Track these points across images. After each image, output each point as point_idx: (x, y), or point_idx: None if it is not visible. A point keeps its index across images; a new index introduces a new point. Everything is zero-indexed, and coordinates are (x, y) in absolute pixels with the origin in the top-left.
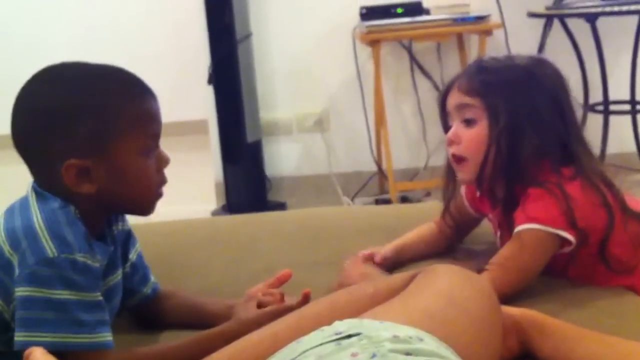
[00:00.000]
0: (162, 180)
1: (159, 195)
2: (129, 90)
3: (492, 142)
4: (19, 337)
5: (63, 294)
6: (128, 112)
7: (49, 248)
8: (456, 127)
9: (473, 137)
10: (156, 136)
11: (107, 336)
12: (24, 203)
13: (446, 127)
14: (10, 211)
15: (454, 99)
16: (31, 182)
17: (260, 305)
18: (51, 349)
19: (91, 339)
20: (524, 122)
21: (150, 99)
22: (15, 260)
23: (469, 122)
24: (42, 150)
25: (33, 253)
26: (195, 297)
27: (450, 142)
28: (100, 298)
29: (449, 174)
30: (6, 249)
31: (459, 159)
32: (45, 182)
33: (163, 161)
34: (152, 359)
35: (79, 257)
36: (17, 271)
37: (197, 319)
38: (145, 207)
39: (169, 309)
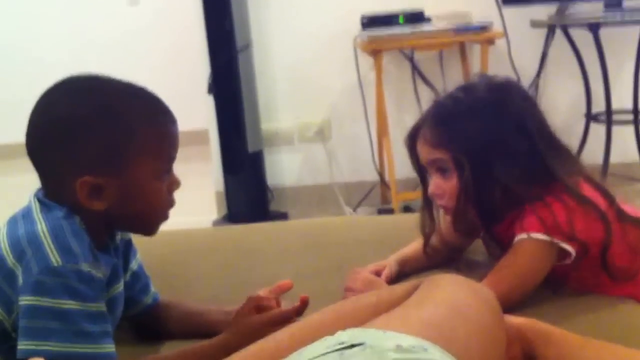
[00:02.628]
0: (171, 203)
1: (166, 217)
2: (150, 112)
3: (461, 192)
4: (22, 346)
5: (68, 304)
6: (148, 133)
7: (54, 257)
8: (435, 179)
9: (453, 188)
10: (172, 160)
11: (110, 347)
12: (27, 213)
13: (418, 169)
14: (13, 221)
15: (423, 152)
16: (33, 192)
17: (259, 311)
18: (55, 358)
19: (95, 350)
20: (492, 160)
21: (171, 122)
22: (19, 271)
23: (444, 171)
24: (56, 162)
25: (37, 262)
26: (194, 305)
27: (435, 196)
28: (104, 309)
29: (427, 209)
30: (9, 259)
31: (448, 210)
32: (54, 193)
33: (175, 184)
34: None
35: (84, 267)
36: (21, 281)
37: (197, 327)
38: (150, 228)
39: (169, 319)
